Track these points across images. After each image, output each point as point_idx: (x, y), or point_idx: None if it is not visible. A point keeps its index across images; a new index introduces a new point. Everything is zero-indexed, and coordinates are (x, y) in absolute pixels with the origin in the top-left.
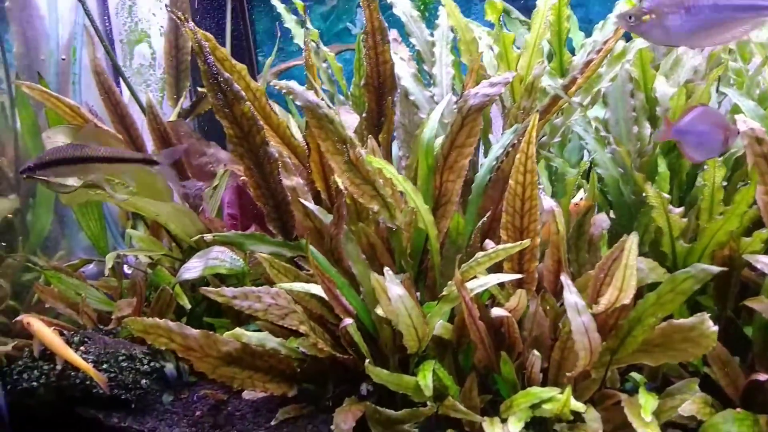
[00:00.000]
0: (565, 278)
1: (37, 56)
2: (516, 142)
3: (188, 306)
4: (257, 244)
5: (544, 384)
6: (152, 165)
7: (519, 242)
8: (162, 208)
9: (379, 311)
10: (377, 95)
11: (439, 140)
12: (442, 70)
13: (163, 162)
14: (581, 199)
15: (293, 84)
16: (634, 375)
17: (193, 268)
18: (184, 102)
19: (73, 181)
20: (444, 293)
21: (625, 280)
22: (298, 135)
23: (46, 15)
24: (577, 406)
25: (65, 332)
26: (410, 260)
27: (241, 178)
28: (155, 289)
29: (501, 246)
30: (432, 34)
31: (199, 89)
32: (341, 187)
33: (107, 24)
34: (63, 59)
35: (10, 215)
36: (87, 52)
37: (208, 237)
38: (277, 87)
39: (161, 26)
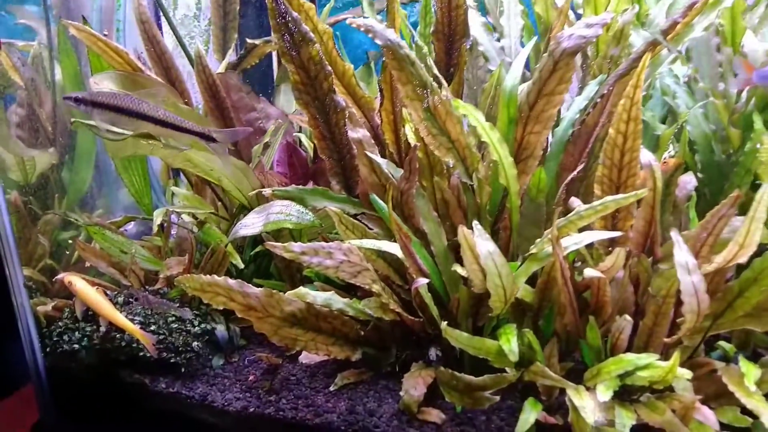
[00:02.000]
0: (675, 235)
1: (78, 3)
2: (606, 92)
3: (242, 265)
4: (320, 199)
5: (628, 351)
6: (209, 141)
7: (634, 193)
8: (216, 163)
9: (459, 270)
10: (447, 44)
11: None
12: (511, 20)
13: (221, 141)
14: (669, 156)
15: (372, 22)
16: (722, 344)
17: (251, 224)
18: (231, 56)
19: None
20: (532, 251)
21: (749, 235)
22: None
23: None
24: (684, 373)
25: (108, 292)
26: (488, 217)
27: (295, 134)
28: (204, 249)
29: (611, 198)
30: None
31: (248, 41)
32: (410, 138)
33: None
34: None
35: (47, 171)
36: None
37: (267, 191)
38: (354, 25)
39: None
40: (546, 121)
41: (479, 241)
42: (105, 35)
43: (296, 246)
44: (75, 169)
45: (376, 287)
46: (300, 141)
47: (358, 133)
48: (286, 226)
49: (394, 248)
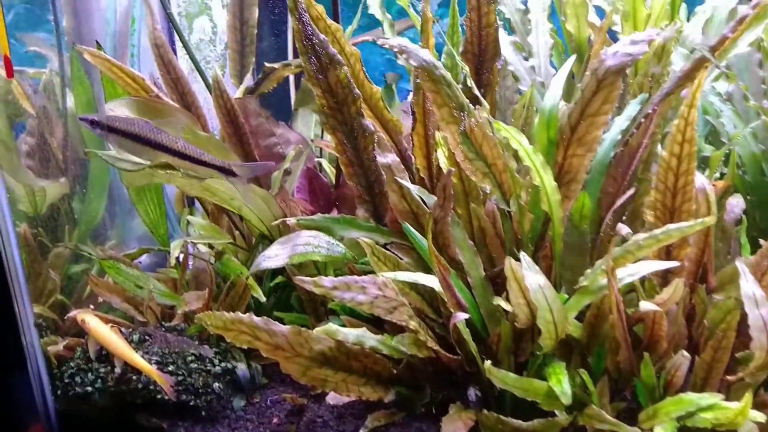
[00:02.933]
0: (741, 265)
1: (91, 29)
2: (650, 112)
3: (263, 298)
4: (348, 228)
5: (684, 389)
6: (229, 176)
7: (701, 220)
8: (237, 192)
9: (503, 304)
10: (476, 64)
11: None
12: (539, 39)
13: (241, 176)
14: (715, 178)
15: (406, 42)
16: None
17: (274, 256)
18: (248, 80)
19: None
20: (583, 284)
21: None
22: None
23: None
24: (756, 416)
25: (123, 330)
26: (530, 246)
27: (316, 159)
28: (220, 281)
29: (674, 226)
30: (525, 1)
31: (266, 65)
32: (442, 163)
33: None
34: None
35: (57, 202)
36: (146, 22)
37: (292, 221)
38: (386, 46)
39: None
40: (589, 144)
41: (528, 273)
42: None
43: (327, 281)
44: (87, 200)
45: (413, 324)
46: (320, 166)
47: (387, 158)
48: (315, 258)
49: (431, 281)
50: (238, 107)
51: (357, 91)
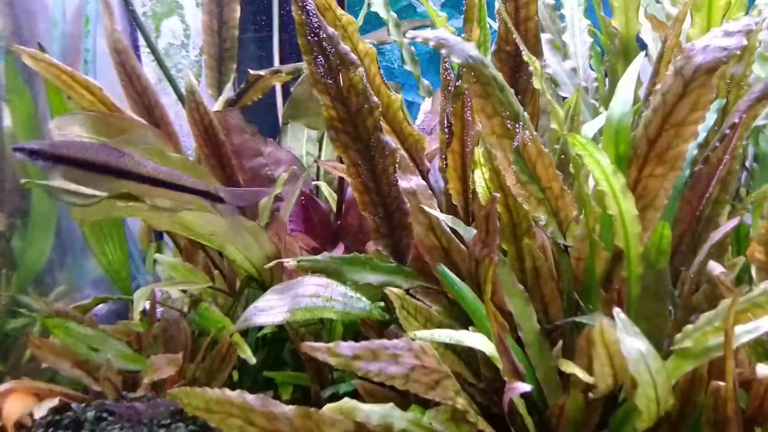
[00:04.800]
0: None
1: (33, 32)
2: (735, 121)
3: (253, 359)
4: (362, 270)
5: None
6: (216, 202)
7: None
8: (219, 225)
9: (578, 372)
10: (512, 66)
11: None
12: (576, 38)
13: (230, 202)
14: None
15: (446, 34)
16: None
17: (269, 310)
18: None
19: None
20: (685, 345)
21: None
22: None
23: None
24: None
25: (73, 405)
26: (601, 292)
27: (314, 182)
28: (195, 335)
29: None
30: None
31: (250, 72)
32: (479, 187)
33: None
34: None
35: None
36: (103, 23)
37: (291, 263)
38: (418, 39)
39: None
40: (672, 161)
41: (625, 337)
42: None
43: (346, 347)
44: (29, 239)
45: (460, 401)
46: (318, 191)
47: (410, 181)
48: (328, 316)
49: (480, 342)
50: (217, 122)
51: (375, 98)
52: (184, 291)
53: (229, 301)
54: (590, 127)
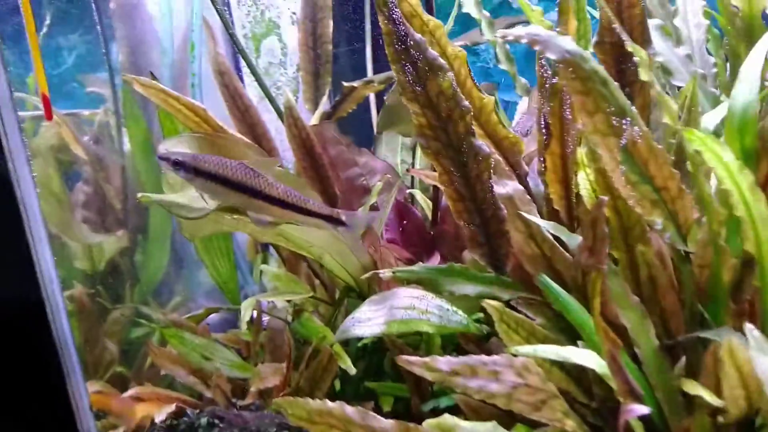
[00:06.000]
0: None
1: (148, 62)
2: None
3: (353, 370)
4: (458, 281)
5: None
6: (337, 225)
7: None
8: (316, 237)
9: (704, 395)
10: (617, 56)
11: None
12: (689, 21)
13: (352, 226)
14: None
15: (538, 29)
16: None
17: (367, 321)
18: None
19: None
20: None
21: None
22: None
23: (157, 11)
24: None
25: (188, 411)
26: (729, 303)
27: (409, 190)
28: (299, 343)
29: None
30: None
31: (344, 84)
32: (584, 190)
33: (227, 15)
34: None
35: (116, 256)
36: (207, 48)
37: (386, 274)
38: (509, 38)
39: (293, 13)
40: None
41: (759, 356)
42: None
43: (443, 362)
44: (148, 253)
45: (570, 423)
46: (412, 199)
47: (506, 187)
48: (423, 329)
49: (589, 359)
50: (314, 136)
51: (465, 102)
52: (288, 300)
53: (329, 310)
54: (710, 119)
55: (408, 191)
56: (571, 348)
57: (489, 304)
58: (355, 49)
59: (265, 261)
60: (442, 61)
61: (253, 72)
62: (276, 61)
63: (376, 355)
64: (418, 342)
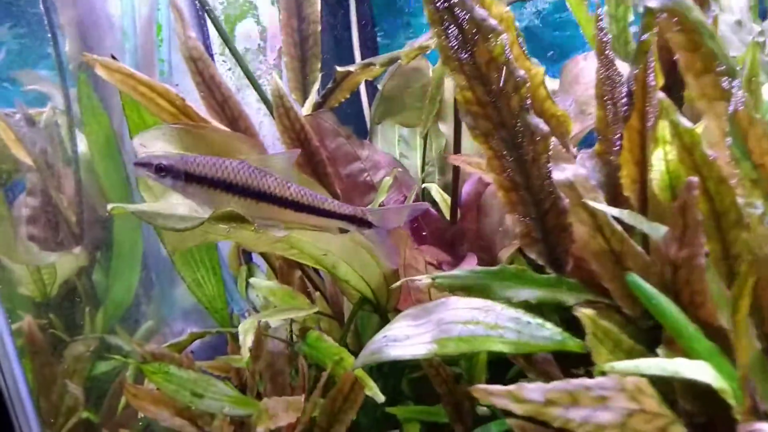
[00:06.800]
0: None
1: (103, 49)
2: None
3: (381, 397)
4: (516, 285)
5: None
6: (362, 226)
7: None
8: (333, 243)
9: None
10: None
11: None
12: None
13: (379, 226)
14: None
15: None
16: None
17: (406, 339)
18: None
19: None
20: None
21: None
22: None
23: None
24: None
25: None
26: None
27: (424, 185)
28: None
29: None
30: None
31: (338, 69)
32: (657, 173)
33: None
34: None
35: (73, 277)
36: (176, 32)
37: (424, 281)
38: None
39: None
40: None
41: None
42: (176, 86)
43: (534, 391)
44: (114, 273)
45: None
46: (425, 194)
47: (566, 171)
48: (495, 349)
49: (704, 373)
50: (309, 127)
51: (521, 72)
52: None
53: (333, 325)
54: None
55: (423, 185)
56: (682, 361)
57: (583, 312)
58: (340, 35)
59: (251, 274)
60: (492, 21)
61: (235, 56)
62: (253, 47)
63: (392, 377)
64: (455, 359)
